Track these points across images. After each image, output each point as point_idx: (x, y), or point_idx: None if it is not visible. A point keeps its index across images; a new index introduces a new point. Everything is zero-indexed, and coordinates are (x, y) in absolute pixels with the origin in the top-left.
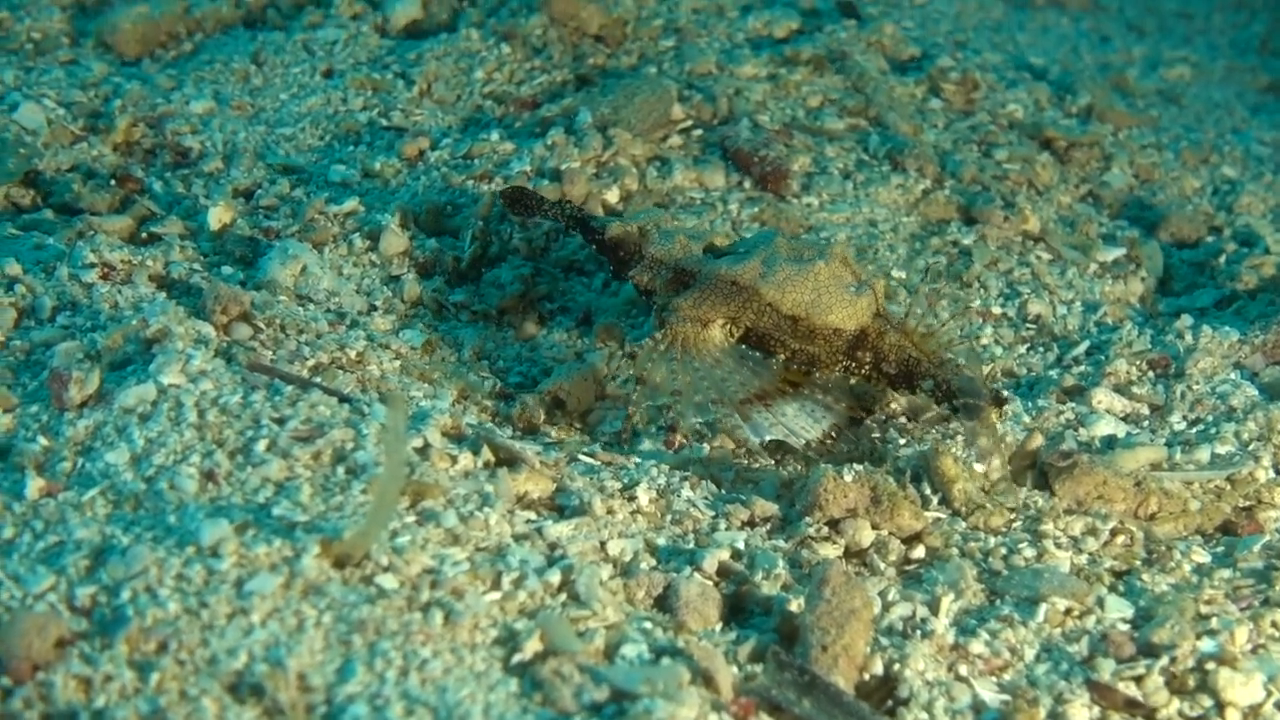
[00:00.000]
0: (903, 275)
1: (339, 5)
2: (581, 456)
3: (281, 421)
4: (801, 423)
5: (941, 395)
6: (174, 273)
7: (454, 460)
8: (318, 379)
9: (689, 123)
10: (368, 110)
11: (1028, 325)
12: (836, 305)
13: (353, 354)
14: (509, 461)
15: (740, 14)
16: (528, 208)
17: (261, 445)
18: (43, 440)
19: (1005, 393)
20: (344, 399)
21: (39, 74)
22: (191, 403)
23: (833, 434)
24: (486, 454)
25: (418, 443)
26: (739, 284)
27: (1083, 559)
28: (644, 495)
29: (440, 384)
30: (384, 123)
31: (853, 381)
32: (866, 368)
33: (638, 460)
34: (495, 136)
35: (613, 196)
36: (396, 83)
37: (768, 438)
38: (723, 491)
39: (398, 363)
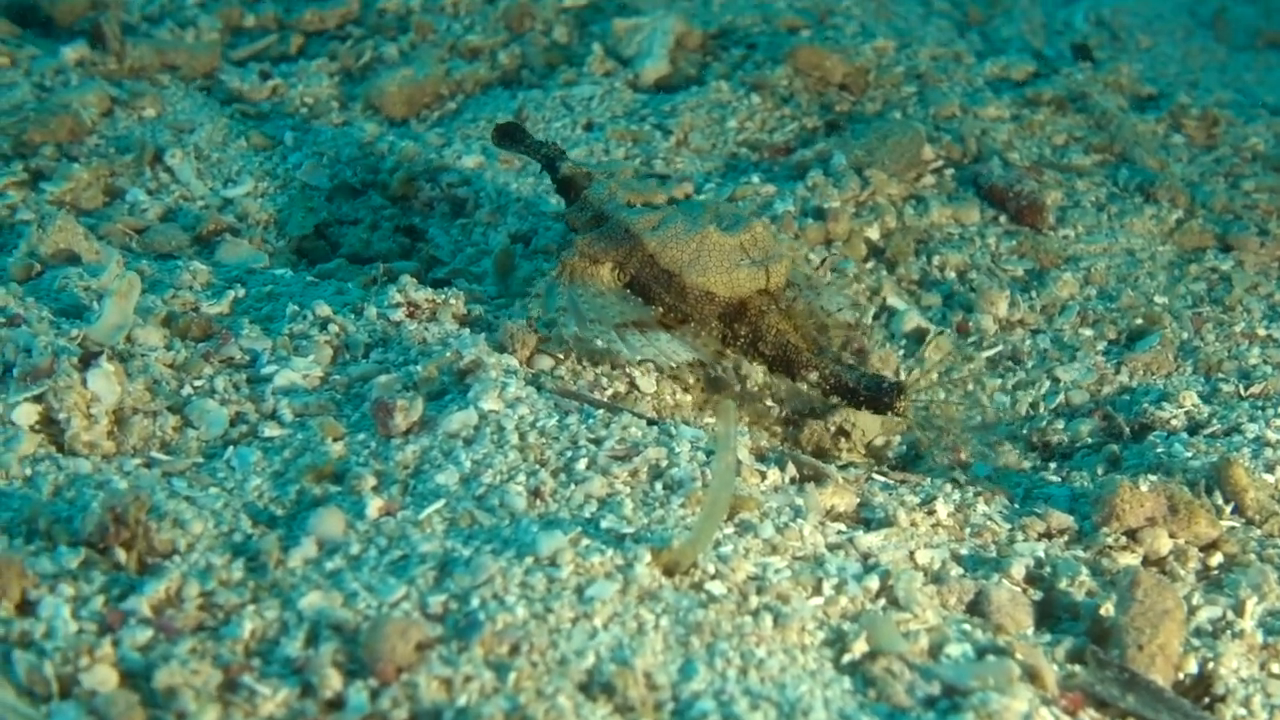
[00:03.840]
0: (1165, 301)
1: (590, 64)
2: (876, 475)
3: (598, 442)
4: (674, 348)
5: (831, 389)
6: (473, 311)
7: (763, 476)
8: (621, 406)
9: (940, 162)
10: (630, 160)
11: None
12: (713, 270)
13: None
14: (813, 478)
15: (976, 60)
16: (515, 141)
17: (582, 464)
18: (375, 464)
19: (902, 379)
20: (652, 421)
21: (315, 135)
22: (512, 426)
23: (703, 364)
24: (791, 470)
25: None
26: (630, 232)
27: None
28: (942, 509)
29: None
30: (647, 170)
31: (729, 352)
32: (742, 341)
33: (931, 479)
34: (756, 180)
35: (874, 233)
36: (654, 134)
37: (639, 357)
38: (1015, 506)
39: (689, 397)
